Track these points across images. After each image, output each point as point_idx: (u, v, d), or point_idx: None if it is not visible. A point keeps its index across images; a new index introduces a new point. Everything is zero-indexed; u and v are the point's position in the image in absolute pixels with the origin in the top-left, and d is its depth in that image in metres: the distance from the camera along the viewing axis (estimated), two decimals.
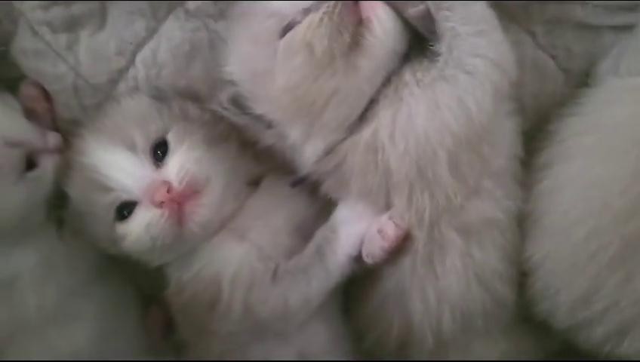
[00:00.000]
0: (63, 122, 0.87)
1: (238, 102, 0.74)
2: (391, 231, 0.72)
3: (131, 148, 0.74)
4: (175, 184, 0.71)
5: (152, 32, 0.82)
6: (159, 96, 0.82)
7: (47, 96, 0.87)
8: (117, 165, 0.74)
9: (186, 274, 0.79)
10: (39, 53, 0.84)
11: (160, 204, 0.71)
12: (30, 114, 0.84)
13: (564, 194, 0.73)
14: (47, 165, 0.81)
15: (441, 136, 0.68)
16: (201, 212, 0.73)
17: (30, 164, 0.80)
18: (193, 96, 0.83)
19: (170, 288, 0.81)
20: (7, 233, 0.80)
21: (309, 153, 0.74)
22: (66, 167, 0.81)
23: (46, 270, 0.85)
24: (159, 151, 0.75)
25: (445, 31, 0.68)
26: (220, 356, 0.81)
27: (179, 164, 0.73)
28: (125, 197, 0.74)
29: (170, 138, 0.75)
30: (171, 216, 0.71)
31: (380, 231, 0.73)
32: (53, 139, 0.83)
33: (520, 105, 0.80)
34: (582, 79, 0.82)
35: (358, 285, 0.81)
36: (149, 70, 0.83)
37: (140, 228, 0.73)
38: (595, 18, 0.79)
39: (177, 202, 0.72)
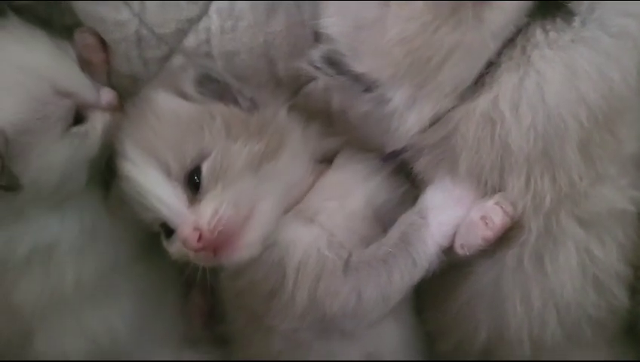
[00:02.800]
0: (119, 77, 0.77)
1: (333, 60, 0.64)
2: (498, 218, 0.61)
3: (166, 172, 0.66)
4: (206, 233, 0.62)
5: None
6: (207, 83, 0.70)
7: (103, 46, 0.77)
8: (152, 190, 0.66)
9: None
10: None
11: (193, 250, 0.63)
12: (84, 65, 0.75)
13: None
14: (97, 122, 0.73)
15: (576, 108, 0.58)
16: (238, 254, 0.64)
17: (78, 118, 0.72)
18: (269, 59, 0.72)
19: (225, 270, 0.71)
20: (46, 195, 0.71)
21: (412, 121, 0.63)
22: (117, 129, 0.71)
23: (87, 241, 0.76)
24: (196, 177, 0.65)
25: None
26: (276, 355, 0.71)
27: (212, 208, 0.63)
28: (165, 220, 0.67)
29: (205, 170, 0.65)
30: (207, 257, 0.64)
31: (483, 218, 0.62)
32: (106, 95, 0.75)
33: None
34: None
35: (436, 279, 0.69)
36: (224, 22, 0.72)
37: (180, 255, 0.67)
38: None
39: (211, 248, 0.63)
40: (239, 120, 0.68)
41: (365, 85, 0.63)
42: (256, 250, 0.65)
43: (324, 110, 0.76)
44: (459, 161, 0.62)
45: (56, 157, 0.69)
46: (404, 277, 0.65)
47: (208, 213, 0.63)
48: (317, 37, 0.69)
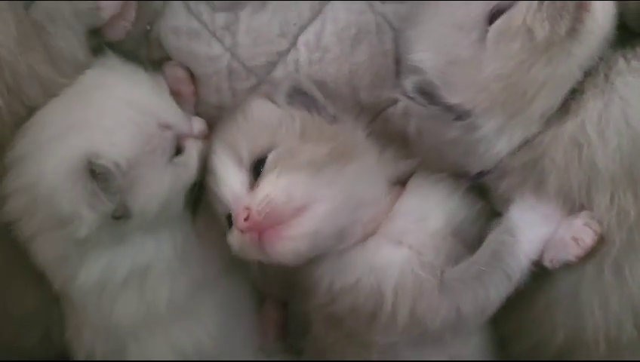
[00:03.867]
0: (207, 106, 0.81)
1: (425, 91, 0.68)
2: (589, 238, 0.65)
3: (238, 161, 0.69)
4: (254, 212, 0.64)
5: (316, 13, 0.75)
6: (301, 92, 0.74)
7: (192, 78, 0.80)
8: (224, 179, 0.69)
9: (339, 283, 0.71)
10: (193, 32, 0.77)
11: (241, 230, 0.65)
12: (175, 97, 0.78)
13: None
14: (193, 151, 0.75)
15: None
16: (283, 244, 0.65)
17: (178, 148, 0.75)
18: (353, 87, 0.76)
19: (318, 296, 0.73)
20: (148, 221, 0.74)
21: (501, 146, 0.67)
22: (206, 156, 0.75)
23: (179, 262, 0.79)
24: (262, 168, 0.68)
25: None
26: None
27: (265, 191, 0.65)
28: (230, 210, 0.69)
29: (270, 158, 0.68)
30: (252, 242, 0.65)
31: (574, 239, 0.66)
32: (198, 124, 0.78)
33: None
34: None
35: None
36: (311, 53, 0.76)
37: (236, 246, 0.69)
38: None
39: (257, 230, 0.64)
40: (317, 126, 0.71)
41: (457, 114, 0.67)
42: (302, 249, 0.66)
43: (401, 133, 0.80)
44: (547, 181, 0.66)
45: (161, 186, 0.72)
46: (499, 291, 0.68)
47: (260, 195, 0.65)
48: (399, 67, 0.73)
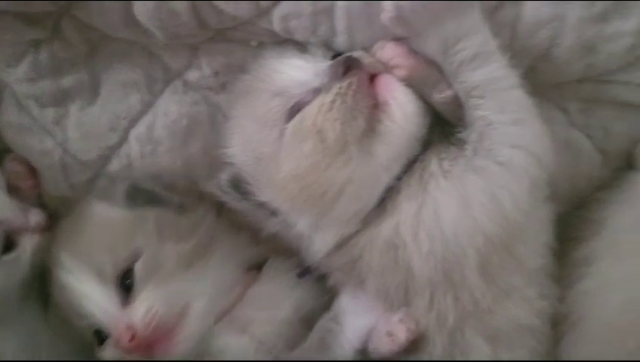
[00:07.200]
0: (50, 198, 0.77)
1: (239, 187, 0.63)
2: (402, 335, 0.61)
3: (100, 276, 0.64)
4: (140, 330, 0.61)
5: (147, 106, 0.71)
6: (141, 190, 0.70)
7: (32, 172, 0.76)
8: (88, 296, 0.65)
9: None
10: (24, 127, 0.72)
11: (126, 350, 0.61)
12: (13, 190, 0.74)
13: (610, 298, 0.61)
14: (27, 245, 0.72)
15: (472, 236, 0.57)
16: (174, 349, 0.63)
17: (8, 243, 0.70)
18: (189, 178, 0.72)
19: None
20: None
21: (318, 246, 0.62)
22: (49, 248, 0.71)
23: (28, 356, 0.73)
24: (128, 280, 0.64)
25: (476, 119, 0.57)
26: None
27: (145, 306, 0.62)
28: (99, 326, 0.65)
29: (138, 269, 0.64)
30: (139, 355, 0.62)
31: (389, 333, 0.61)
32: (35, 217, 0.73)
33: (553, 190, 0.67)
34: (622, 161, 0.70)
35: None
36: (143, 147, 0.71)
37: (114, 358, 0.65)
38: (638, 97, 0.67)
39: (145, 346, 0.61)
40: (170, 222, 0.68)
41: (270, 211, 0.62)
42: (191, 344, 0.64)
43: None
44: (366, 282, 0.61)
45: None
46: None
47: (141, 311, 0.62)
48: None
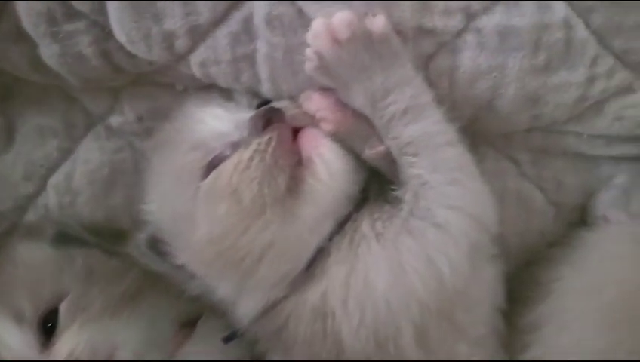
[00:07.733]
0: None
1: (156, 248, 0.57)
2: None
3: (18, 319, 0.58)
4: None
5: (66, 153, 0.66)
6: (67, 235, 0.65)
7: None
8: (3, 339, 0.59)
9: None
10: None
11: None
12: None
13: None
14: None
15: (406, 305, 0.51)
16: None
17: None
18: (112, 231, 0.66)
19: None
20: None
21: (242, 311, 0.56)
22: None
23: None
24: (51, 323, 0.58)
25: (410, 177, 0.52)
26: None
27: (68, 347, 0.57)
28: None
29: (63, 310, 0.59)
30: None
31: None
32: None
33: (502, 246, 0.62)
34: (576, 215, 0.66)
35: None
36: (61, 197, 0.66)
37: None
38: (590, 148, 0.63)
39: None
40: (99, 263, 0.64)
41: (189, 273, 0.56)
42: None
43: None
44: (293, 351, 0.55)
45: None
46: None
47: (64, 353, 0.57)
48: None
